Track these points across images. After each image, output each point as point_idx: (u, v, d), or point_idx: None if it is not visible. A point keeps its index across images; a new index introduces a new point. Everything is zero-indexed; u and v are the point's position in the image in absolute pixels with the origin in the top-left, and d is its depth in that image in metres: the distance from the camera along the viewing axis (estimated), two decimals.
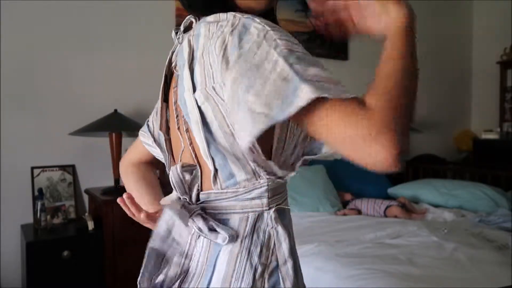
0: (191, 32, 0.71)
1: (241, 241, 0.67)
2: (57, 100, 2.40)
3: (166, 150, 0.81)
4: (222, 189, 0.68)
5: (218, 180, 0.68)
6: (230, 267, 0.66)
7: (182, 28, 0.77)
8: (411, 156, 3.81)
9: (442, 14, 4.13)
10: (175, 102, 0.74)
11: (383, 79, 0.56)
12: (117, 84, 2.57)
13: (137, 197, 0.89)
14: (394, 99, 0.53)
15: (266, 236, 0.68)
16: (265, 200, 0.68)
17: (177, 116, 0.74)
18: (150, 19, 2.66)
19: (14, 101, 2.28)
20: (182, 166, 0.70)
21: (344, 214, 2.50)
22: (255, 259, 0.66)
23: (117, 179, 2.31)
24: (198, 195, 0.71)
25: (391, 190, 2.95)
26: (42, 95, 2.36)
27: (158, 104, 0.84)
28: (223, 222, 0.68)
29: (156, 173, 1.00)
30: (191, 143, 0.71)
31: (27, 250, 1.97)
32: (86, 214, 2.31)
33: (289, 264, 0.68)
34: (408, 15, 0.63)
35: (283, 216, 0.71)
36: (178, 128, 0.74)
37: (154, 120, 0.89)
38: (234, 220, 0.68)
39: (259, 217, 0.68)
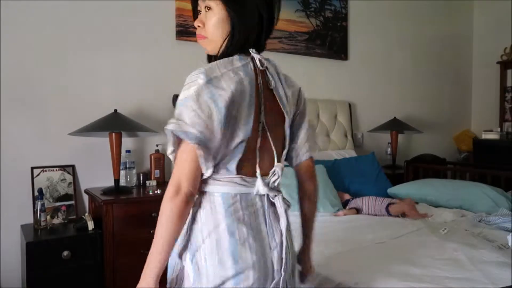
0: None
1: None
2: (57, 100, 2.39)
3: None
4: None
5: None
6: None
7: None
8: (411, 156, 3.82)
9: (442, 14, 4.13)
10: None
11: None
12: (117, 84, 2.57)
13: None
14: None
15: None
16: None
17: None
18: (150, 19, 2.66)
19: (14, 101, 2.28)
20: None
21: (343, 215, 2.49)
22: None
23: (117, 179, 2.31)
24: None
25: (391, 190, 2.95)
26: (42, 95, 2.36)
27: (220, 118, 0.89)
28: None
29: None
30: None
31: (27, 250, 1.97)
32: (86, 214, 2.31)
33: None
34: None
35: None
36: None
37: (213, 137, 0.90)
38: None
39: None
